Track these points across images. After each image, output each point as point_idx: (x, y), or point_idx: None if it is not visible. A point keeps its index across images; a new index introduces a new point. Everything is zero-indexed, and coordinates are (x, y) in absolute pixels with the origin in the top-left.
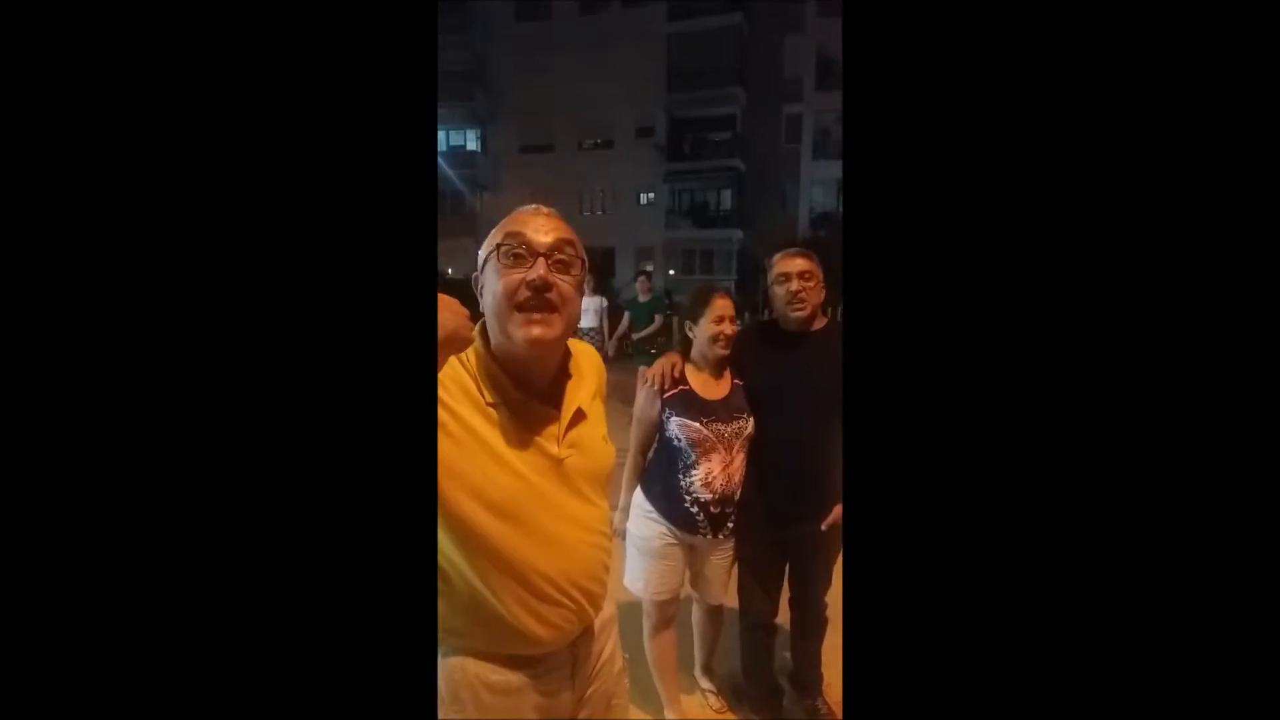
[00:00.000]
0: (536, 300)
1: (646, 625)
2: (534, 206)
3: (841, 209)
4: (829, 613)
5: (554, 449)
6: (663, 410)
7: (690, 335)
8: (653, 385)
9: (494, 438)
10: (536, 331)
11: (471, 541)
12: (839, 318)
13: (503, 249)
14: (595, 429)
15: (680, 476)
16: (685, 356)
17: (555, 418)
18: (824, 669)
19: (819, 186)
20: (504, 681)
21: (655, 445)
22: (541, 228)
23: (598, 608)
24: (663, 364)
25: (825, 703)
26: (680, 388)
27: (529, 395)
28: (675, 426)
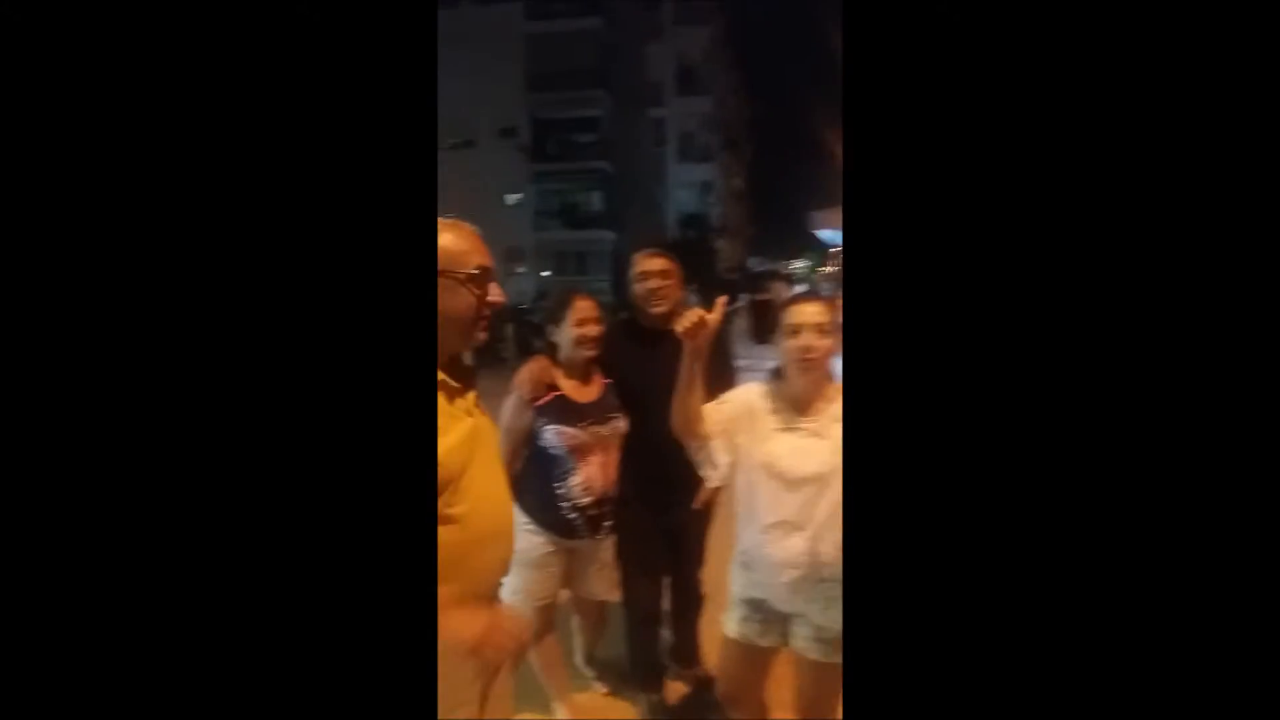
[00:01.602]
0: (489, 313)
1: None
2: (460, 223)
3: (709, 211)
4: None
5: (469, 416)
6: (535, 419)
7: (553, 340)
8: (522, 395)
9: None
10: (487, 335)
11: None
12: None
13: (466, 270)
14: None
15: (557, 485)
16: (552, 360)
17: (461, 389)
18: (702, 642)
19: (685, 189)
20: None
21: (525, 455)
22: (482, 249)
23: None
24: (532, 370)
25: (704, 669)
26: (552, 394)
27: (448, 374)
28: (552, 435)
